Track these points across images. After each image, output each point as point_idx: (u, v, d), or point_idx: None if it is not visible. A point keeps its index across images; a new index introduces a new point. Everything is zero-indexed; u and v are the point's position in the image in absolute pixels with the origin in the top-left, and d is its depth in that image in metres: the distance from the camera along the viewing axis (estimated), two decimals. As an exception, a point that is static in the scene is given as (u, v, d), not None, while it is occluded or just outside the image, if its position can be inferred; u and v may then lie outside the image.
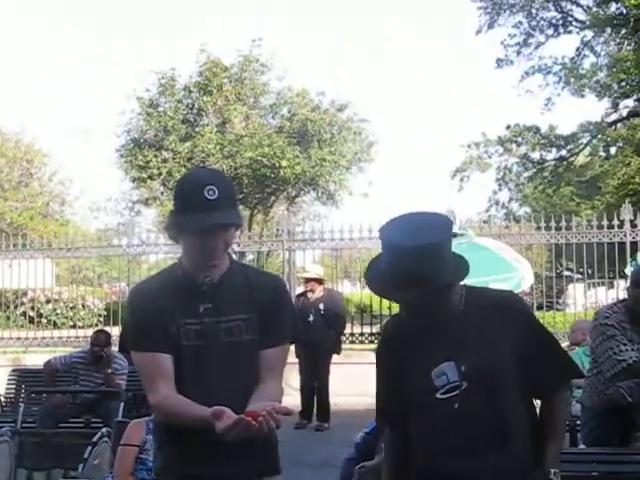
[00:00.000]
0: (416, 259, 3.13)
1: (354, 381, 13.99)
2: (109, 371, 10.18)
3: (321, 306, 12.83)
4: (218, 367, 3.40)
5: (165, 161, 29.07)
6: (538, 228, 17.56)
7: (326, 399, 12.98)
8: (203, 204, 3.30)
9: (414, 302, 3.26)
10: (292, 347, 13.46)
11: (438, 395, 3.28)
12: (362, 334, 17.60)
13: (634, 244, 16.53)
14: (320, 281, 13.09)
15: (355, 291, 23.60)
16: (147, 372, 3.45)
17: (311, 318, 12.73)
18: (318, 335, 12.58)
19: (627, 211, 16.78)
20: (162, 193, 30.24)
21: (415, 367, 3.31)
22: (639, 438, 6.26)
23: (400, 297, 3.31)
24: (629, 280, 6.55)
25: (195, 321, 3.43)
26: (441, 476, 3.30)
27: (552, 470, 3.28)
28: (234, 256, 3.92)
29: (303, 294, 13.22)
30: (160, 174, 28.93)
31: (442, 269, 3.21)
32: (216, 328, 3.43)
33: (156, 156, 29.41)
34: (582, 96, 34.63)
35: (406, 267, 3.14)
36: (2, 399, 11.87)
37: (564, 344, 13.82)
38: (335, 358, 13.00)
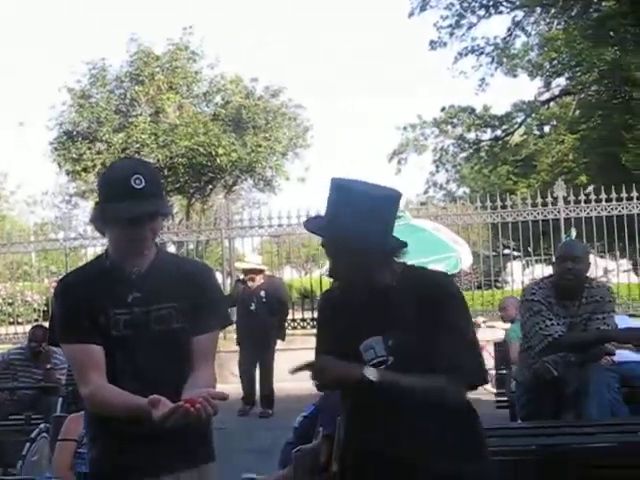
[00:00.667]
0: (364, 206, 3.16)
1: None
2: (48, 366, 10.10)
3: (262, 294, 12.82)
4: (149, 356, 3.39)
5: (99, 153, 28.80)
6: (475, 208, 17.72)
7: (270, 386, 12.98)
8: (130, 193, 3.30)
9: (349, 263, 3.26)
10: (234, 335, 13.49)
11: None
12: (304, 319, 17.67)
13: (568, 220, 16.76)
14: (259, 271, 13.06)
15: (297, 277, 23.60)
16: (78, 364, 3.44)
17: (253, 306, 12.73)
18: (261, 323, 12.59)
19: (560, 188, 16.98)
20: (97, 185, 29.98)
21: (345, 340, 3.31)
22: (569, 410, 6.38)
23: (335, 249, 3.32)
24: (556, 255, 6.66)
25: (124, 311, 3.41)
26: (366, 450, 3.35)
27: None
28: (172, 246, 3.91)
29: (244, 282, 13.20)
30: (95, 166, 28.65)
31: (382, 232, 3.24)
32: (146, 317, 3.43)
33: (90, 148, 29.13)
34: (515, 76, 35.05)
35: (352, 213, 3.16)
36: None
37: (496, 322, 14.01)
38: (279, 344, 13.01)
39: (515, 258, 26.32)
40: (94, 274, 3.52)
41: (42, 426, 6.49)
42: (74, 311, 3.41)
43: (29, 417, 9.33)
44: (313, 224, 3.43)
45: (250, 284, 12.92)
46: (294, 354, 13.52)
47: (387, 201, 3.29)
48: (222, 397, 3.14)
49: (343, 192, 3.24)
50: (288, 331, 15.16)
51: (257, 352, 12.74)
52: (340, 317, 3.42)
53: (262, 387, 13.00)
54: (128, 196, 3.29)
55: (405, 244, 3.31)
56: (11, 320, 19.47)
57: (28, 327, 13.36)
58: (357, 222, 3.14)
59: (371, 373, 3.07)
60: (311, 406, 5.81)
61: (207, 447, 3.57)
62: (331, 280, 3.47)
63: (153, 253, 3.53)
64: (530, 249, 17.98)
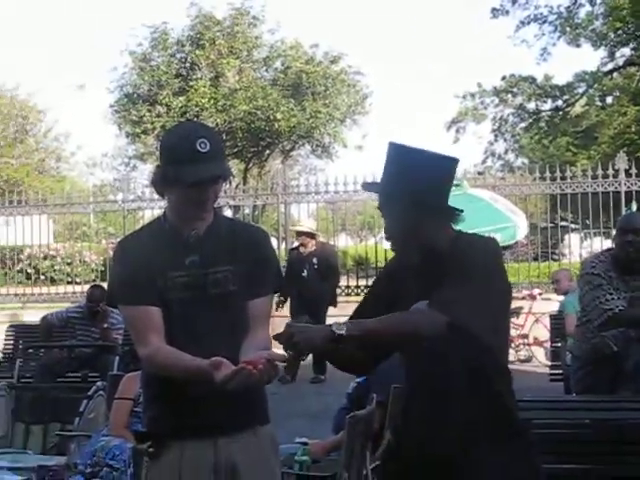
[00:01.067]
0: (421, 168, 3.18)
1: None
2: (105, 326, 10.24)
3: (314, 260, 12.84)
4: (206, 319, 3.41)
5: (159, 116, 28.92)
6: (534, 179, 17.55)
7: None
8: (195, 156, 3.31)
9: (404, 223, 3.22)
10: (287, 303, 13.52)
11: None
12: (358, 287, 17.62)
13: (629, 193, 16.53)
14: (312, 235, 13.06)
15: (351, 244, 23.61)
16: (137, 325, 3.47)
17: (305, 272, 12.77)
18: (312, 289, 12.62)
19: (622, 161, 16.73)
20: (157, 148, 30.15)
21: (395, 304, 3.25)
22: (627, 386, 6.33)
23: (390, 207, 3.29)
24: (616, 228, 6.57)
25: (182, 273, 3.43)
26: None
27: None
28: (229, 210, 3.94)
29: (296, 248, 13.23)
30: (154, 129, 28.79)
31: (437, 195, 3.24)
32: (203, 280, 3.44)
33: (150, 111, 29.27)
34: (578, 46, 34.50)
35: (409, 173, 3.17)
36: (0, 354, 11.94)
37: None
38: (331, 311, 13.03)
39: (573, 231, 26.07)
40: (153, 236, 3.54)
41: (99, 384, 6.58)
42: (133, 272, 3.43)
43: (86, 375, 9.49)
44: (370, 185, 3.46)
45: (302, 250, 12.95)
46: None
47: (444, 165, 3.30)
48: (281, 359, 3.16)
49: (400, 154, 3.25)
50: (341, 298, 15.23)
51: (309, 318, 12.76)
52: (393, 282, 3.40)
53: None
54: (193, 159, 3.31)
55: (460, 211, 3.29)
56: (69, 280, 19.70)
57: (86, 287, 13.54)
58: (413, 183, 3.15)
59: (339, 327, 2.96)
60: (364, 373, 5.83)
61: (262, 409, 3.58)
62: (388, 246, 3.45)
63: (211, 217, 3.54)
64: (589, 222, 17.78)
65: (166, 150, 3.46)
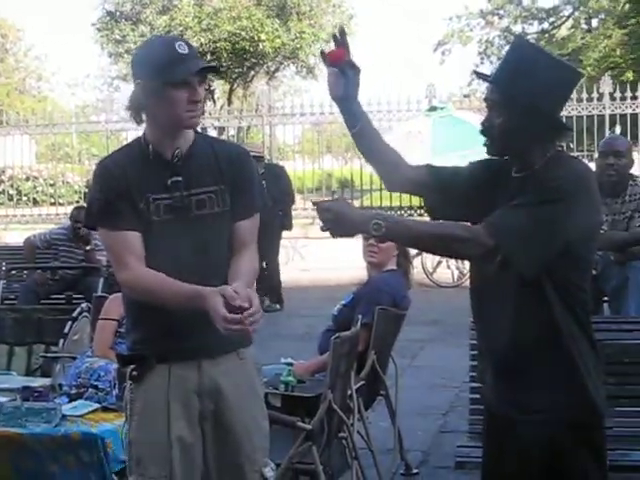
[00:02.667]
0: (546, 70, 3.02)
1: (335, 255, 14.12)
2: (89, 247, 10.21)
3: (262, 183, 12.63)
4: (190, 241, 3.38)
5: (142, 35, 28.56)
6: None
7: (277, 279, 12.83)
8: (178, 57, 3.28)
9: (510, 123, 3.04)
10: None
11: None
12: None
13: (613, 117, 16.53)
14: (258, 158, 12.78)
15: (337, 166, 23.53)
16: (115, 249, 3.43)
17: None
18: (261, 214, 12.48)
19: (606, 84, 16.69)
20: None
21: (478, 203, 3.11)
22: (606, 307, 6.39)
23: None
24: (598, 151, 6.56)
25: (164, 195, 3.39)
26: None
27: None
28: (213, 131, 3.89)
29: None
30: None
31: (554, 102, 3.09)
32: (187, 201, 3.40)
33: (133, 30, 28.98)
34: (565, -33, 34.19)
35: (532, 72, 3.01)
36: (-18, 276, 11.92)
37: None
38: (317, 233, 12.94)
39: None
40: (133, 157, 3.47)
41: (84, 305, 6.57)
42: (113, 195, 3.37)
43: (70, 297, 9.49)
44: (482, 75, 3.30)
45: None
46: (330, 242, 13.57)
47: (567, 76, 3.13)
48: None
49: (527, 52, 3.09)
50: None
51: (260, 245, 12.59)
52: (489, 181, 3.21)
53: (268, 282, 12.73)
54: (177, 61, 3.28)
55: (570, 129, 3.16)
56: (52, 201, 19.62)
57: (69, 208, 13.49)
58: (533, 85, 3.00)
59: (378, 228, 2.86)
60: (350, 294, 5.85)
61: (245, 332, 3.58)
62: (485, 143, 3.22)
63: (191, 136, 3.49)
64: (572, 145, 17.75)
65: (146, 61, 3.38)
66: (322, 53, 3.29)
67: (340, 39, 3.23)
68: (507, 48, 3.22)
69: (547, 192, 2.93)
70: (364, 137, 3.36)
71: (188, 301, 3.24)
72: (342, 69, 3.24)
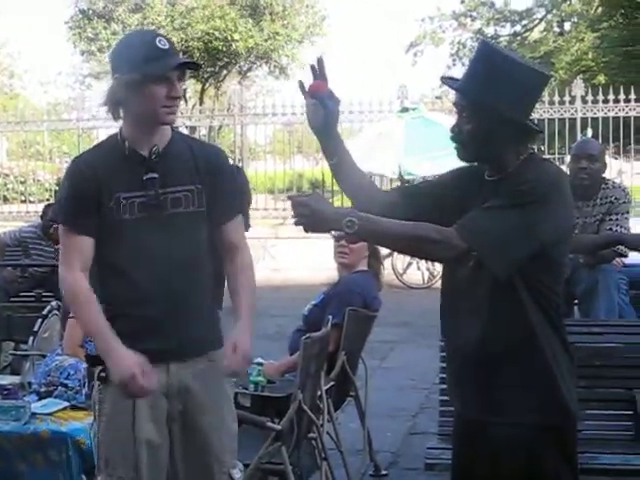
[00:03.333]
0: (512, 72, 3.02)
1: (305, 255, 14.13)
2: (59, 245, 10.15)
3: None
4: (162, 240, 3.37)
5: (115, 33, 28.54)
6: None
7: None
8: (158, 53, 3.28)
9: (478, 126, 3.05)
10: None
11: None
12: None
13: (584, 120, 16.63)
14: None
15: (308, 167, 23.55)
16: (67, 249, 3.47)
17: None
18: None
19: (578, 87, 16.82)
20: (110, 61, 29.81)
21: (451, 209, 3.11)
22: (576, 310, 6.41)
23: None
24: (570, 154, 6.58)
25: (138, 193, 3.37)
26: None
27: None
28: (185, 130, 3.89)
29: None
30: (110, 46, 28.35)
31: (523, 106, 3.08)
32: (162, 199, 3.39)
33: (105, 28, 28.90)
34: (538, -30, 34.36)
35: (499, 75, 3.01)
36: (-49, 272, 11.84)
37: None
38: (287, 233, 12.94)
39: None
40: (108, 155, 3.46)
41: (54, 303, 6.55)
42: (79, 195, 3.38)
43: (40, 294, 9.42)
44: (449, 80, 3.30)
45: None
46: (306, 243, 13.53)
47: (535, 79, 3.12)
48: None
49: (493, 57, 3.08)
50: (290, 220, 15.17)
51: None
52: (458, 187, 3.22)
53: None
54: (157, 56, 3.27)
55: (540, 131, 3.15)
56: (23, 198, 19.53)
57: (40, 206, 13.42)
58: (501, 90, 3.00)
59: (350, 226, 2.86)
60: (321, 295, 5.85)
61: (215, 333, 3.57)
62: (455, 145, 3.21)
63: (168, 134, 3.48)
64: (544, 147, 17.84)
65: (125, 55, 3.37)
66: (301, 84, 3.25)
67: (318, 69, 3.21)
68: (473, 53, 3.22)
69: (520, 195, 2.93)
70: (341, 170, 3.34)
71: (97, 341, 3.36)
72: (322, 100, 3.20)
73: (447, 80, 3.34)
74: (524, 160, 3.09)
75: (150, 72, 3.27)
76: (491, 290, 3.00)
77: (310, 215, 2.90)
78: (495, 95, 3.00)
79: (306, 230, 2.93)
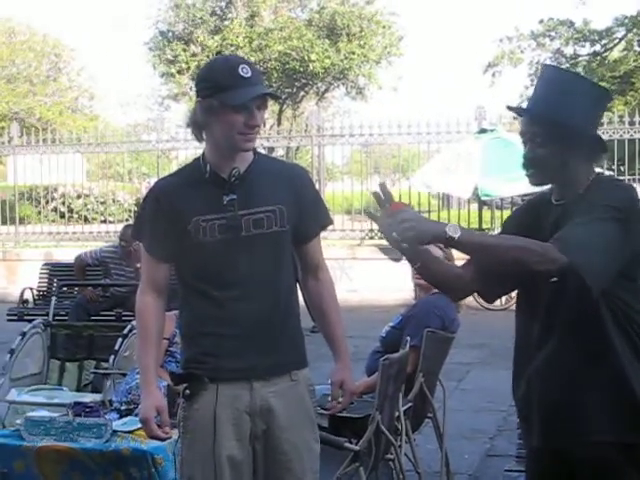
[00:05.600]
0: (577, 90, 3.09)
1: (383, 276, 14.11)
2: (139, 265, 10.25)
3: None
4: (246, 260, 3.39)
5: (194, 55, 28.91)
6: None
7: None
8: (239, 81, 3.30)
9: (548, 150, 3.08)
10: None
11: None
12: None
13: (666, 140, 16.38)
14: None
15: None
16: (142, 271, 3.61)
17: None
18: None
19: (659, 107, 16.59)
20: (191, 88, 30.16)
21: (533, 237, 3.05)
22: None
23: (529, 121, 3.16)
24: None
25: (219, 215, 3.39)
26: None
27: None
28: (262, 151, 3.93)
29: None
30: (189, 68, 28.82)
31: (590, 123, 3.13)
32: (245, 220, 3.40)
33: (185, 50, 29.26)
34: (617, -11, 33.94)
35: (564, 94, 3.07)
36: (35, 292, 12.05)
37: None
38: (364, 254, 12.91)
39: (608, 177, 25.80)
40: (187, 179, 3.50)
41: (134, 323, 6.62)
42: (154, 222, 3.46)
43: (120, 314, 9.56)
44: (516, 109, 3.39)
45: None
46: (379, 264, 13.51)
47: (599, 96, 3.19)
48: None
49: (555, 77, 3.17)
50: (368, 241, 15.26)
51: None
52: (534, 215, 3.24)
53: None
54: (238, 84, 3.30)
55: (605, 149, 3.16)
56: (102, 219, 19.82)
57: (119, 226, 13.61)
58: (566, 110, 3.04)
59: (454, 230, 2.86)
60: (399, 316, 5.84)
61: (299, 353, 3.59)
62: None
63: (251, 156, 3.51)
64: (624, 168, 17.62)
65: (208, 80, 3.41)
66: (376, 195, 3.12)
67: (382, 194, 3.09)
68: (538, 78, 3.26)
69: (611, 210, 2.94)
70: (426, 270, 3.36)
71: (140, 369, 3.58)
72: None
73: (514, 108, 3.37)
74: (593, 181, 3.11)
75: (229, 101, 3.31)
76: (573, 311, 3.00)
77: (418, 222, 2.91)
78: (569, 112, 3.04)
79: (406, 240, 2.93)
